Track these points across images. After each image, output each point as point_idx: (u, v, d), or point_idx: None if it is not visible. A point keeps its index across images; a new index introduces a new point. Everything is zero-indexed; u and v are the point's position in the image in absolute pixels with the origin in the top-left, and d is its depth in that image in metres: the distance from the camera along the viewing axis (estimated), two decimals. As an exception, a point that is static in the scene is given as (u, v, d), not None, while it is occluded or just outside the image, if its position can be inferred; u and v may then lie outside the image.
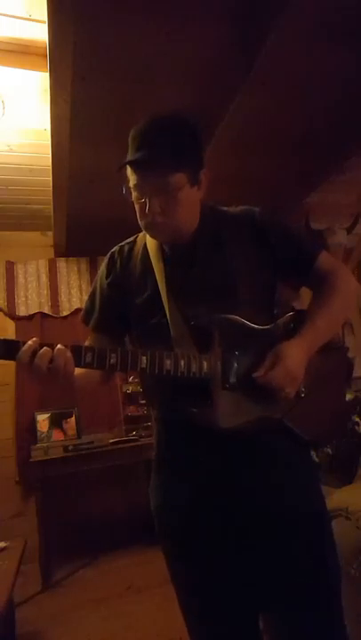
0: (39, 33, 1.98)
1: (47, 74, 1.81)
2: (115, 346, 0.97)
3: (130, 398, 3.79)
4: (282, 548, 0.96)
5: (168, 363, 0.93)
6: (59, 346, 0.88)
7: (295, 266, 1.12)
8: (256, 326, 1.03)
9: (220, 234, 1.09)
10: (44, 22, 1.63)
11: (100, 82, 1.95)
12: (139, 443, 3.42)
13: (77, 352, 0.90)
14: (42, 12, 1.73)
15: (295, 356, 0.98)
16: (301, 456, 1.07)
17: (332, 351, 1.15)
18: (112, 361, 0.91)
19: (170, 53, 1.83)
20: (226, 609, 0.98)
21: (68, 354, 0.89)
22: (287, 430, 1.01)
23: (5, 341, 0.87)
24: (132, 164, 0.99)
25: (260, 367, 0.98)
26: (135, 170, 0.99)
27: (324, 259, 1.11)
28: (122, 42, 1.75)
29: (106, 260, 1.20)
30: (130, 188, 1.02)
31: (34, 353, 0.86)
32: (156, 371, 0.93)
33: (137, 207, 1.04)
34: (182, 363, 0.94)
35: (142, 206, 1.01)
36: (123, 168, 1.02)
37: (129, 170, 1.01)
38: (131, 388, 3.79)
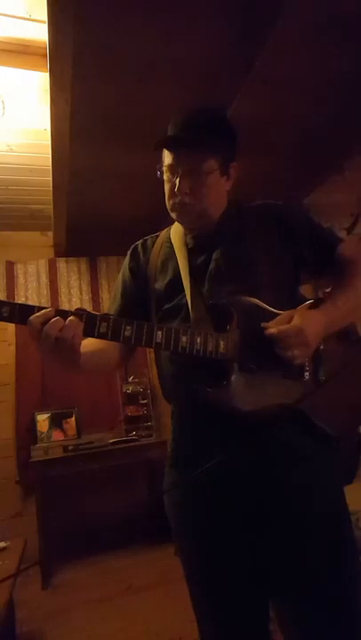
0: (39, 33, 1.99)
1: (47, 74, 1.81)
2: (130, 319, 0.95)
3: (130, 398, 3.78)
4: (301, 547, 0.94)
5: (184, 339, 0.93)
6: (71, 317, 0.87)
7: (318, 254, 1.12)
8: (276, 310, 1.02)
9: (243, 224, 1.12)
10: (44, 22, 1.64)
11: (100, 82, 1.95)
12: (139, 443, 3.41)
13: (91, 321, 0.88)
14: (42, 11, 1.73)
15: (311, 321, 0.97)
16: (323, 454, 1.02)
17: (355, 344, 1.12)
18: (127, 333, 0.90)
19: (170, 53, 1.83)
20: (242, 601, 0.99)
21: (80, 328, 0.88)
22: (308, 423, 0.99)
23: (22, 305, 0.87)
24: (169, 140, 1.06)
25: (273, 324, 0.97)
26: (171, 149, 1.05)
27: (347, 246, 1.13)
28: (122, 42, 1.76)
29: (129, 252, 1.24)
30: (163, 169, 1.08)
31: (46, 320, 0.86)
32: (172, 347, 0.92)
33: (167, 188, 1.09)
34: (198, 340, 0.94)
35: (172, 187, 1.06)
36: (160, 149, 1.08)
37: (165, 151, 1.07)
38: (131, 388, 3.79)
